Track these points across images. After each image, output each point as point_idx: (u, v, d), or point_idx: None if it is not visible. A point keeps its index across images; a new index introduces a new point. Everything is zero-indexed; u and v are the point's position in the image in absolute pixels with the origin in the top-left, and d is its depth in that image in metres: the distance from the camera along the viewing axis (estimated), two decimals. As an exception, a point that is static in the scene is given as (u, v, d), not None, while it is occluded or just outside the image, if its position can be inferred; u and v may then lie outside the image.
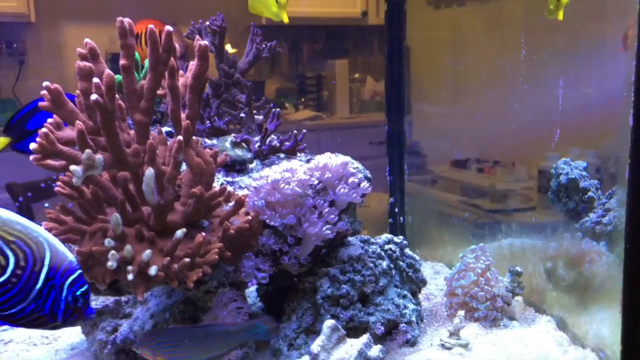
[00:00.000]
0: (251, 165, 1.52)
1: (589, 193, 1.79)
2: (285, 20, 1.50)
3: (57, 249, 0.84)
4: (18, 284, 0.80)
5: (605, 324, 1.45)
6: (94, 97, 1.06)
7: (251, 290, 1.77)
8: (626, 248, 1.32)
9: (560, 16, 1.41)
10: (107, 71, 1.11)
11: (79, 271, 0.84)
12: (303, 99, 4.29)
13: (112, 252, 1.15)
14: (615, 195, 1.74)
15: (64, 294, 0.84)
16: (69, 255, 0.85)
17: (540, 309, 1.70)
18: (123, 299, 1.48)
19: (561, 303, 1.64)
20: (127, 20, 1.17)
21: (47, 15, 3.29)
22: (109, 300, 1.47)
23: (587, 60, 1.79)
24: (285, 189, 1.28)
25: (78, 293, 0.85)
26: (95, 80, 1.07)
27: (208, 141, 1.56)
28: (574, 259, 1.65)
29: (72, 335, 1.70)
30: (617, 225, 1.61)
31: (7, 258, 0.80)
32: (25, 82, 3.29)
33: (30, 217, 0.88)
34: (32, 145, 1.07)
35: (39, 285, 0.81)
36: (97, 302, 1.46)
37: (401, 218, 2.19)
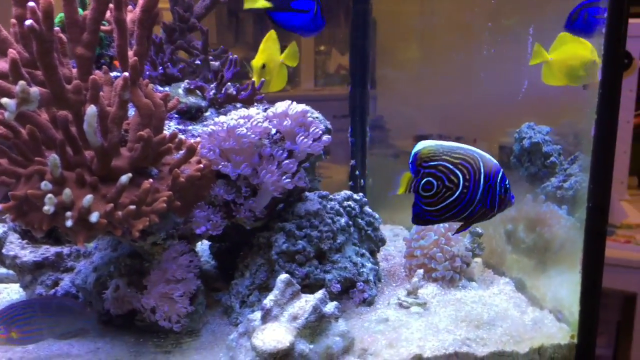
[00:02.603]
0: (206, 114, 1.44)
1: (552, 158, 1.77)
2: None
3: (487, 158, 1.07)
4: (468, 193, 1.06)
5: (564, 286, 1.44)
6: (28, 22, 0.96)
7: (204, 249, 1.70)
8: (588, 206, 1.30)
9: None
10: (45, -4, 1.01)
11: (501, 170, 1.07)
12: (267, 70, 4.19)
13: (49, 195, 1.06)
14: (577, 160, 1.73)
15: (498, 190, 1.07)
16: (493, 160, 1.07)
17: (500, 270, 1.68)
18: (65, 251, 1.39)
19: (520, 265, 1.63)
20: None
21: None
22: (50, 252, 1.38)
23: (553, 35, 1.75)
24: (241, 135, 1.21)
25: (507, 185, 1.08)
26: (31, 4, 0.97)
27: (160, 88, 1.47)
28: (534, 222, 1.63)
29: (12, 292, 1.61)
30: (578, 190, 1.60)
31: (457, 176, 1.06)
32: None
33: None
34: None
35: (481, 189, 1.06)
36: (36, 254, 1.37)
37: (362, 180, 2.14)
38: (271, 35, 1.46)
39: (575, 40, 1.44)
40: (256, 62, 1.35)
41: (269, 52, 1.42)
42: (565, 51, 1.46)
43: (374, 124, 2.30)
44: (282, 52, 1.53)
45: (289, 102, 1.30)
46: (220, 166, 1.25)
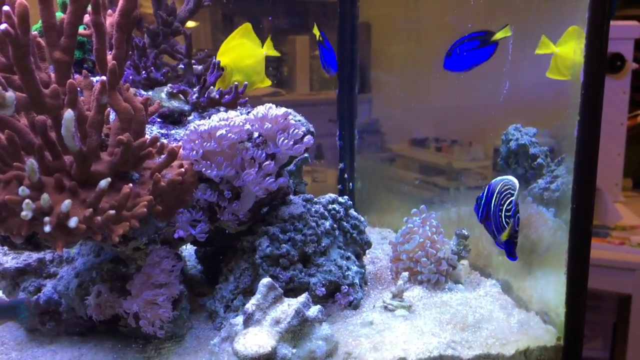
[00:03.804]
0: (189, 118, 1.44)
1: (538, 160, 1.76)
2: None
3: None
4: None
5: (550, 288, 1.44)
6: (2, 26, 0.96)
7: (191, 253, 1.70)
8: (572, 208, 1.30)
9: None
10: (20, 0, 1.01)
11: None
12: (262, 75, 4.20)
13: (27, 201, 1.05)
14: (564, 162, 1.72)
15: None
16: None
17: (486, 272, 1.68)
18: (47, 257, 1.38)
19: (506, 267, 1.62)
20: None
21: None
22: (32, 258, 1.37)
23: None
24: (221, 137, 1.20)
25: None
26: (5, 8, 0.97)
27: (144, 93, 1.47)
28: (520, 223, 1.62)
29: (-4, 299, 1.60)
30: (565, 192, 1.60)
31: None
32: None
33: None
34: None
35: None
36: (18, 260, 1.36)
37: (350, 184, 2.14)
38: (245, 28, 1.43)
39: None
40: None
41: (233, 54, 1.40)
42: (572, 46, 1.44)
43: (369, 127, 2.30)
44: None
45: (270, 105, 1.30)
46: (202, 167, 1.24)
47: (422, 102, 2.21)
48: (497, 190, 1.29)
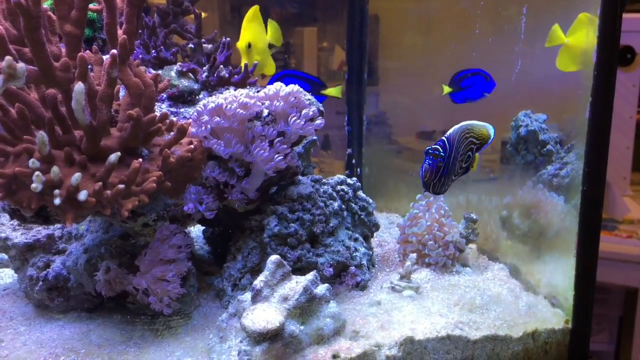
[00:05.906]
0: (198, 97, 1.43)
1: (548, 146, 1.76)
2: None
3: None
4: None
5: (559, 272, 1.43)
6: (15, -3, 0.96)
7: (198, 235, 1.70)
8: (583, 190, 1.29)
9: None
10: (32, -29, 1.00)
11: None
12: (270, 66, 4.21)
13: (37, 173, 1.05)
14: (573, 149, 1.71)
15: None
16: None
17: (494, 257, 1.67)
18: (56, 233, 1.38)
19: (515, 251, 1.62)
20: None
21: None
22: (41, 234, 1.37)
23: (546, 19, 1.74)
24: (232, 113, 1.20)
25: None
26: (17, -22, 0.97)
27: (153, 72, 1.46)
28: (529, 208, 1.62)
29: (5, 276, 1.61)
30: (575, 178, 1.59)
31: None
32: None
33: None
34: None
35: None
36: (27, 235, 1.37)
37: (358, 169, 2.13)
38: (255, 12, 1.43)
39: (594, 23, 1.41)
40: (240, 43, 1.34)
41: (254, 31, 1.40)
42: (583, 35, 1.40)
43: (376, 120, 2.30)
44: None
45: (281, 83, 1.29)
46: (212, 143, 1.24)
47: (430, 95, 2.21)
48: (456, 141, 1.29)
